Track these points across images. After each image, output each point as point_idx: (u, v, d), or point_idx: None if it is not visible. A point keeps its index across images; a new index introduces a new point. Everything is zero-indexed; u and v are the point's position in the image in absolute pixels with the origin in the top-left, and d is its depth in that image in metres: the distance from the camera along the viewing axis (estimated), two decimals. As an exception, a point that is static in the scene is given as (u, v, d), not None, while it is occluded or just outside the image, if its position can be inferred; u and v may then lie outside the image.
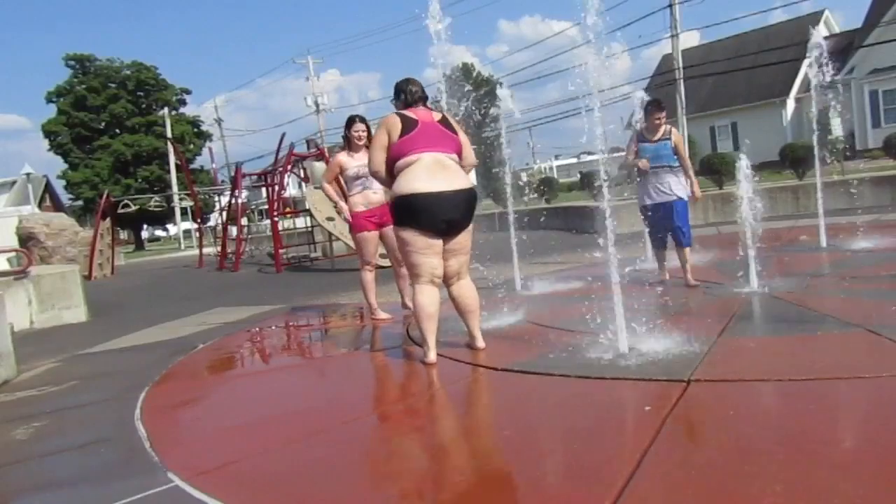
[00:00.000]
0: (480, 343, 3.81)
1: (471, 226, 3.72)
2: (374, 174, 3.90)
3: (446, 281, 3.76)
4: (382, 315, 5.47)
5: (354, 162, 5.32)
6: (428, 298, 3.64)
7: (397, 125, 3.68)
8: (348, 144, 5.46)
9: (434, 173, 3.57)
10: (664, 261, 5.85)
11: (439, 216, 3.57)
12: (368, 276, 5.50)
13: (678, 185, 5.57)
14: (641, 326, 3.60)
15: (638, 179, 5.72)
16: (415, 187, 3.55)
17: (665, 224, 5.62)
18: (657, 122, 5.61)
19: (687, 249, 5.60)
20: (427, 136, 3.66)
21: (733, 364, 3.17)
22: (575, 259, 8.30)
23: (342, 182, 5.51)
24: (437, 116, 3.79)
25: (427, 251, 3.62)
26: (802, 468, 2.02)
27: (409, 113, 3.73)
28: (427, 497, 2.18)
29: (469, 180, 3.75)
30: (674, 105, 18.07)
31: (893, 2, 24.98)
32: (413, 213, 3.59)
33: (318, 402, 3.55)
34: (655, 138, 5.62)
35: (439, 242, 3.65)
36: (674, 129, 5.73)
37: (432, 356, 3.68)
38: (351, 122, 5.44)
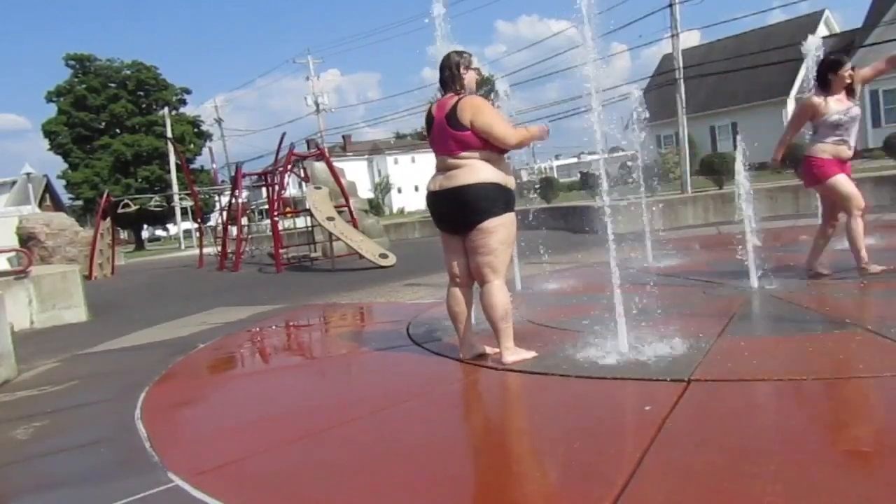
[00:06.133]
0: (505, 359, 3.52)
1: (486, 225, 3.41)
2: None
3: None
4: (875, 268, 4.87)
5: (839, 106, 4.77)
6: (450, 299, 3.71)
7: (426, 123, 3.69)
8: (826, 86, 4.82)
9: (434, 174, 3.64)
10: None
11: (434, 215, 3.67)
12: (860, 223, 4.87)
13: None
14: (641, 326, 3.60)
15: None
16: (427, 186, 3.68)
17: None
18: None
19: None
20: (435, 137, 3.58)
21: (733, 364, 3.17)
22: (575, 258, 8.30)
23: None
24: (448, 107, 3.47)
25: (446, 247, 3.69)
26: (802, 468, 2.02)
27: (434, 107, 3.60)
28: (427, 496, 2.18)
29: (463, 178, 3.41)
30: (674, 105, 18.07)
31: (893, 2, 25.00)
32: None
33: (318, 402, 3.55)
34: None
35: (456, 241, 3.61)
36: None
37: (461, 353, 3.78)
38: (841, 62, 4.77)
